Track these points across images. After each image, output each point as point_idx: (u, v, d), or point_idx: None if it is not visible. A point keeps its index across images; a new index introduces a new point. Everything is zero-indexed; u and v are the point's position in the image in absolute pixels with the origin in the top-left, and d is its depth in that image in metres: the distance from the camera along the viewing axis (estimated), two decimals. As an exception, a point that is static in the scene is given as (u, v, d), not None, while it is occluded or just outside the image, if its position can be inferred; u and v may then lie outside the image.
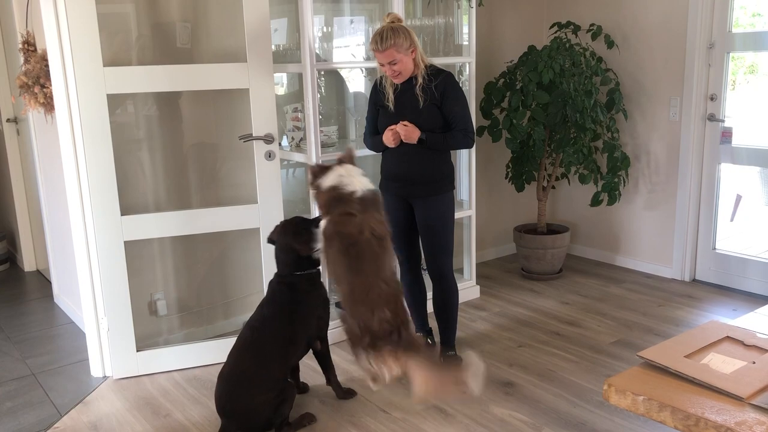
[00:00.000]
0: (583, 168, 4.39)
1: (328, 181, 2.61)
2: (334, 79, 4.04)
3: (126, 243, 3.17)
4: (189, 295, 3.68)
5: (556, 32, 4.44)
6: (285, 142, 3.72)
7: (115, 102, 3.22)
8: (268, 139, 3.26)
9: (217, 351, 3.42)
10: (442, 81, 3.05)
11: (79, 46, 2.96)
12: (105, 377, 3.33)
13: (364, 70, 4.07)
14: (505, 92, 4.31)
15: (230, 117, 3.52)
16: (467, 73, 3.99)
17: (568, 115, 4.11)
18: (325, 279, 3.31)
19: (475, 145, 4.02)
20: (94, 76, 2.99)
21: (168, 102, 3.46)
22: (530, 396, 3.03)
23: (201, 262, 3.68)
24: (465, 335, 3.69)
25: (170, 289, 3.62)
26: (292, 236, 2.88)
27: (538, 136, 4.17)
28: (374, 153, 3.35)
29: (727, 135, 4.19)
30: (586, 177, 4.36)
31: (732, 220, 5.58)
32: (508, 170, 4.54)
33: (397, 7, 3.54)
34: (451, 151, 3.21)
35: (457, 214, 4.08)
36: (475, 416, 2.88)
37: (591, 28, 4.36)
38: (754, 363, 1.84)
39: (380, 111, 3.18)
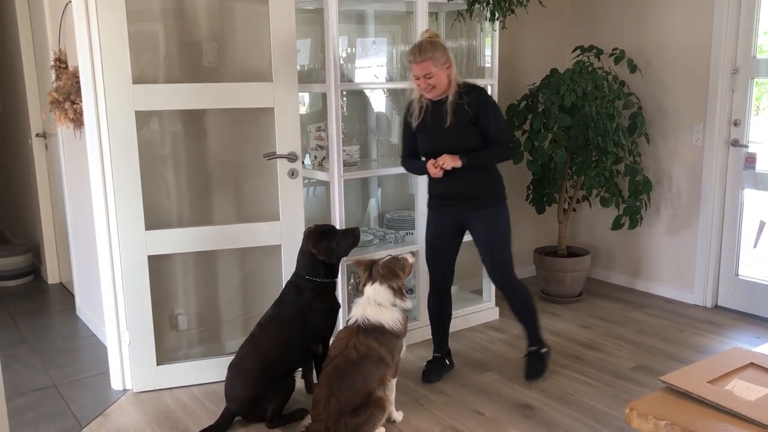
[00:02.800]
0: (604, 191, 4.38)
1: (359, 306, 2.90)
2: (356, 99, 4.09)
3: (149, 257, 3.21)
4: (209, 311, 3.70)
5: (578, 56, 4.46)
6: (308, 160, 3.75)
7: (142, 119, 3.28)
8: (291, 158, 3.30)
9: (236, 367, 3.43)
10: (475, 97, 3.09)
11: (109, 64, 3.03)
12: (125, 390, 3.35)
13: (386, 90, 4.11)
14: (527, 114, 4.33)
15: (254, 135, 3.57)
16: (489, 95, 4.01)
17: (590, 138, 4.11)
18: (339, 291, 3.34)
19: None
20: (124, 93, 3.05)
21: (194, 119, 3.52)
22: (549, 419, 3.01)
23: (222, 277, 3.71)
24: (483, 357, 3.67)
25: (191, 304, 3.65)
26: (314, 239, 2.99)
27: (559, 158, 4.17)
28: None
29: (750, 161, 4.16)
30: (608, 200, 4.34)
31: (755, 246, 5.52)
32: (529, 192, 4.54)
33: (421, 29, 3.58)
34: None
35: (478, 235, 4.09)
36: (493, 438, 2.86)
37: (614, 52, 4.37)
38: (778, 390, 1.82)
39: (418, 134, 3.22)
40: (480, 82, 4.01)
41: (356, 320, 2.84)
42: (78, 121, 3.48)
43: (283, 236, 3.37)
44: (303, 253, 3.04)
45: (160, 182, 3.48)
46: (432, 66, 2.98)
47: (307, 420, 2.79)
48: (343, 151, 3.51)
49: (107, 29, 3.00)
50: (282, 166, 3.31)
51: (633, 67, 4.32)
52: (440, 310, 3.45)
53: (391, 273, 2.88)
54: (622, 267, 4.84)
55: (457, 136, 3.09)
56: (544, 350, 3.42)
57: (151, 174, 3.37)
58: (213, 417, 3.05)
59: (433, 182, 3.26)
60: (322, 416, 2.66)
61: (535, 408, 3.11)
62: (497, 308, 4.25)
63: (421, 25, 3.59)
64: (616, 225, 4.34)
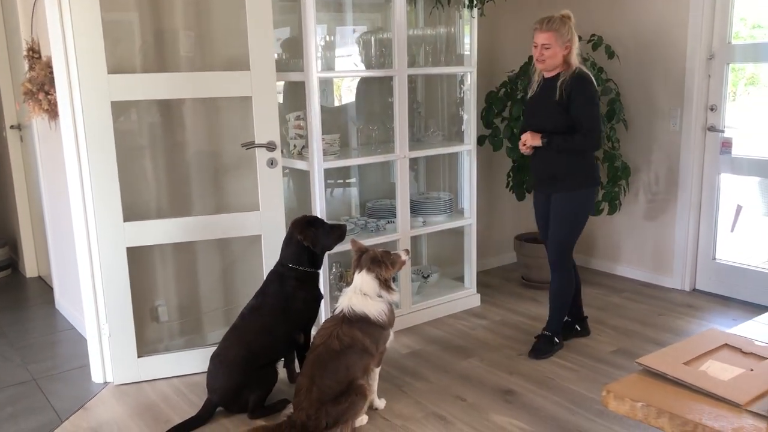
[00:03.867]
0: (583, 177, 4.40)
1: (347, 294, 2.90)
2: (336, 87, 4.07)
3: (128, 249, 3.19)
4: (190, 302, 3.69)
5: (556, 42, 4.47)
6: (287, 149, 3.73)
7: (118, 109, 3.24)
8: (270, 147, 3.28)
9: (217, 357, 3.43)
10: (571, 83, 3.20)
11: (83, 54, 2.99)
12: (106, 383, 3.33)
13: (365, 78, 4.10)
14: (506, 101, 4.34)
15: (233, 124, 3.54)
16: (468, 82, 4.01)
17: (568, 124, 4.13)
18: (322, 282, 3.35)
19: (475, 154, 4.08)
20: (98, 83, 3.02)
21: (172, 109, 3.49)
22: (530, 404, 3.04)
23: (203, 268, 3.69)
24: (465, 343, 3.70)
25: (171, 296, 3.63)
26: (301, 226, 3.03)
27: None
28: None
29: (727, 145, 4.21)
30: (586, 186, 4.36)
31: (732, 230, 5.59)
32: (509, 179, 4.55)
33: (400, 17, 3.57)
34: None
35: (457, 223, 4.11)
36: (474, 424, 2.88)
37: (592, 38, 4.38)
38: (752, 370, 1.86)
39: (525, 106, 3.52)
40: (459, 70, 4.04)
41: (341, 310, 2.85)
42: (53, 112, 3.44)
43: (263, 226, 3.35)
44: (288, 242, 3.06)
45: (139, 173, 3.45)
46: (553, 38, 3.17)
47: (289, 409, 2.79)
48: (323, 139, 3.50)
49: (80, 18, 2.96)
50: (261, 156, 3.29)
51: (611, 54, 4.34)
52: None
53: (380, 264, 2.88)
54: (601, 252, 4.88)
55: (546, 116, 3.26)
56: (556, 341, 3.53)
57: (128, 165, 3.33)
58: (195, 408, 3.04)
59: (531, 162, 3.51)
60: (304, 404, 2.67)
61: (516, 393, 3.14)
62: (478, 295, 4.27)
63: (399, 13, 3.57)
64: (596, 210, 4.37)
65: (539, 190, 3.52)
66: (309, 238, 3.01)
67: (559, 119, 3.24)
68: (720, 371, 1.85)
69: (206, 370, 3.03)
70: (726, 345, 2.03)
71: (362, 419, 2.85)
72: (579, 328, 3.70)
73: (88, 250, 3.21)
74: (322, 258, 3.13)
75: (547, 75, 3.31)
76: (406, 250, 3.06)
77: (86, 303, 3.26)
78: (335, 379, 2.72)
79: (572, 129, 3.23)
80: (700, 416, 1.65)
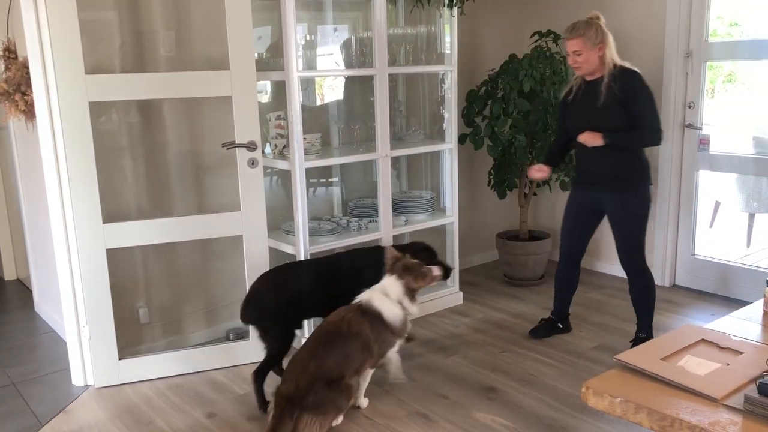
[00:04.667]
0: (564, 175, 4.44)
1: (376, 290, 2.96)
2: (317, 86, 4.06)
3: (108, 251, 3.16)
4: (172, 303, 3.67)
5: (536, 41, 4.49)
6: (268, 149, 3.73)
7: (98, 110, 3.22)
8: (251, 147, 3.27)
9: (200, 359, 3.41)
10: (627, 80, 3.15)
11: (60, 54, 2.96)
12: (86, 386, 3.30)
13: (346, 77, 4.09)
14: (486, 100, 4.35)
15: (214, 125, 3.53)
16: (449, 81, 4.03)
17: (548, 122, 4.16)
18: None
19: (456, 153, 4.09)
20: (76, 83, 2.99)
21: (152, 110, 3.46)
22: (513, 401, 3.05)
23: (184, 269, 3.68)
24: (448, 341, 3.71)
25: (153, 297, 3.61)
26: (399, 271, 2.96)
27: (519, 143, 4.21)
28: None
29: (704, 142, 4.26)
30: (567, 184, 4.40)
31: (711, 226, 5.67)
32: (490, 177, 4.57)
33: (380, 15, 3.57)
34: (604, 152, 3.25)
35: (439, 221, 4.12)
36: (458, 422, 2.89)
37: (571, 37, 4.41)
38: (728, 365, 1.88)
39: (568, 110, 3.37)
40: (439, 69, 4.05)
41: (360, 301, 2.91)
42: (30, 113, 3.39)
43: (245, 226, 3.34)
44: (402, 250, 3.14)
45: (118, 174, 3.42)
46: (581, 44, 3.12)
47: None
48: (304, 139, 3.49)
49: (57, 18, 2.92)
50: (241, 156, 3.28)
51: (590, 52, 4.37)
52: (565, 280, 3.66)
53: (411, 273, 2.93)
54: (582, 249, 4.91)
55: (602, 116, 3.18)
56: (650, 339, 3.47)
57: (108, 166, 3.31)
58: (177, 410, 3.03)
59: (579, 161, 3.43)
60: (297, 375, 2.69)
61: (499, 390, 3.15)
62: (461, 293, 4.29)
63: (380, 12, 3.57)
64: (576, 208, 4.40)
65: (590, 189, 3.37)
66: (408, 270, 2.97)
67: (620, 119, 3.15)
68: (697, 366, 1.87)
69: (193, 369, 3.06)
70: (703, 340, 2.06)
71: (338, 419, 2.85)
72: (561, 326, 3.73)
73: (67, 253, 3.17)
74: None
75: (589, 78, 3.25)
76: (439, 267, 3.06)
77: (66, 306, 3.23)
78: (333, 362, 2.73)
79: (627, 127, 3.15)
80: (678, 411, 1.67)
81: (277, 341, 3.06)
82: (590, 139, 3.18)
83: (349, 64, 3.82)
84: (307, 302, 3.11)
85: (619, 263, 3.46)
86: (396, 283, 2.92)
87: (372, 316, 2.85)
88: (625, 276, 3.48)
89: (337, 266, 3.26)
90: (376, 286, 2.96)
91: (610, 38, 3.19)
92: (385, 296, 2.90)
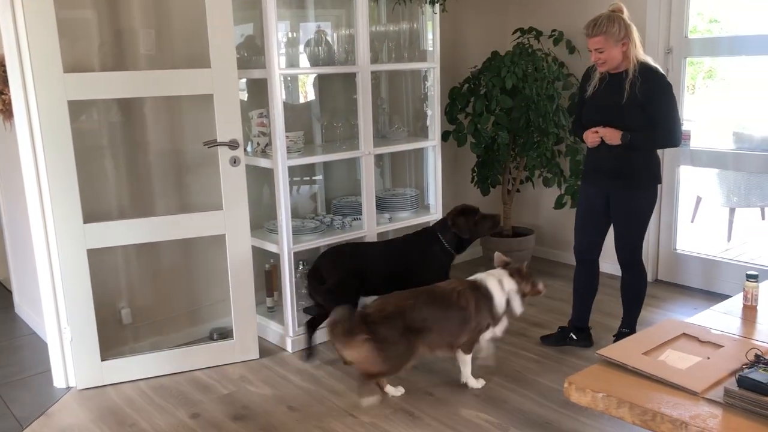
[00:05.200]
0: (546, 171, 4.46)
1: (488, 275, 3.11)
2: (301, 84, 4.05)
3: (89, 251, 3.13)
4: (155, 303, 3.64)
5: (518, 38, 4.51)
6: (250, 147, 3.70)
7: (78, 108, 3.18)
8: (233, 145, 3.25)
9: (183, 359, 3.39)
10: (649, 82, 3.06)
11: (37, 52, 2.92)
12: (68, 388, 3.27)
13: (329, 75, 4.08)
14: (469, 97, 4.36)
15: (196, 123, 3.50)
16: (432, 78, 4.03)
17: (531, 119, 4.18)
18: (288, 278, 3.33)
19: (440, 150, 4.10)
20: (54, 82, 2.95)
21: (132, 108, 3.43)
22: (498, 397, 3.06)
23: (167, 269, 3.65)
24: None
25: (135, 298, 3.58)
26: (452, 215, 3.45)
27: (502, 140, 4.22)
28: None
29: (685, 138, 4.28)
30: (550, 180, 4.43)
31: (693, 221, 5.72)
32: (474, 174, 4.58)
33: (362, 13, 3.56)
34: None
35: (423, 218, 4.12)
36: (442, 418, 2.90)
37: (553, 33, 4.43)
38: (708, 358, 1.90)
39: (587, 102, 3.27)
40: (422, 66, 4.04)
41: (475, 279, 3.04)
42: (7, 112, 3.35)
43: (227, 225, 3.32)
44: (443, 221, 3.50)
45: (99, 173, 3.39)
46: (604, 41, 3.02)
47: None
48: (287, 137, 3.47)
49: (34, 16, 2.88)
50: (223, 154, 3.26)
51: (571, 49, 4.39)
52: (580, 281, 3.54)
53: (524, 277, 3.08)
54: (565, 245, 4.93)
55: (621, 114, 3.10)
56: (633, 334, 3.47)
57: (88, 165, 3.27)
58: (161, 411, 3.01)
59: (589, 155, 3.35)
60: (387, 303, 2.88)
61: (484, 386, 3.16)
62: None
63: (362, 9, 3.56)
64: (559, 204, 4.43)
65: (599, 185, 3.31)
66: (458, 226, 3.40)
67: (638, 118, 3.08)
68: (678, 360, 1.89)
69: (174, 371, 3.11)
70: (684, 334, 2.08)
71: (383, 384, 3.02)
72: (575, 337, 3.56)
73: (47, 253, 3.14)
74: (468, 244, 3.53)
75: (613, 72, 3.15)
76: (545, 285, 3.19)
77: (46, 307, 3.20)
78: (422, 317, 2.88)
79: (646, 126, 3.09)
80: (659, 405, 1.69)
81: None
82: (609, 135, 3.11)
83: (331, 62, 3.81)
84: (364, 279, 3.35)
85: (605, 259, 3.47)
86: (511, 279, 3.06)
87: (482, 295, 2.99)
88: (610, 271, 3.49)
89: (392, 248, 3.52)
90: (492, 272, 3.10)
91: (634, 31, 3.06)
92: (500, 283, 3.04)
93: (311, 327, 3.44)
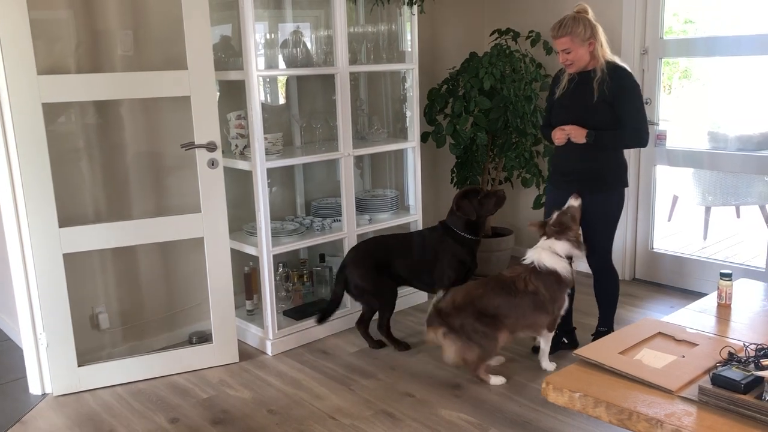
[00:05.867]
0: (525, 172, 4.48)
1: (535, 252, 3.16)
2: (281, 85, 4.03)
3: (65, 255, 3.09)
4: (132, 308, 3.60)
5: (496, 39, 4.53)
6: (229, 149, 3.68)
7: (53, 111, 3.14)
8: (210, 147, 3.23)
9: (162, 363, 3.36)
10: (616, 80, 3.07)
11: (10, 54, 2.87)
12: (44, 395, 3.23)
13: (308, 76, 4.07)
14: (447, 98, 4.37)
15: (173, 125, 3.48)
16: (410, 79, 4.03)
17: (509, 120, 4.20)
18: (268, 281, 3.32)
19: (419, 151, 4.10)
20: (28, 84, 2.91)
21: (109, 110, 3.40)
22: (477, 397, 3.08)
23: (144, 273, 3.62)
24: (413, 339, 3.72)
25: (113, 302, 3.54)
26: (456, 200, 3.51)
27: (480, 141, 4.24)
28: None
29: (661, 138, 4.34)
30: (529, 180, 4.45)
31: (669, 219, 5.79)
32: (453, 175, 4.60)
33: (340, 14, 3.56)
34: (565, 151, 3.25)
35: (403, 219, 4.13)
36: (423, 419, 2.90)
37: (530, 34, 4.46)
38: (683, 357, 1.92)
39: (555, 103, 3.27)
40: (401, 67, 4.05)
41: (532, 262, 3.08)
42: (-20, 115, 3.30)
43: (206, 228, 3.30)
44: (451, 210, 3.54)
45: (75, 177, 3.35)
46: (570, 42, 3.05)
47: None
48: (265, 139, 3.46)
49: (6, 17, 2.83)
50: (201, 156, 3.24)
51: (548, 50, 4.42)
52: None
53: (565, 227, 3.08)
54: (545, 245, 4.97)
55: (590, 113, 3.11)
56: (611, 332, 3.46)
57: (64, 168, 3.24)
58: (139, 416, 2.98)
59: (555, 157, 3.36)
60: (458, 296, 3.05)
61: (463, 387, 3.17)
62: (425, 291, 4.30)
63: (340, 10, 3.56)
64: (537, 204, 4.46)
65: (563, 188, 3.28)
66: (462, 209, 3.45)
67: (606, 117, 3.09)
68: (653, 359, 1.91)
69: (158, 374, 3.10)
70: (660, 333, 2.10)
71: (487, 364, 3.17)
72: (566, 341, 3.54)
73: (21, 258, 3.10)
74: (483, 225, 3.60)
75: (581, 72, 3.16)
76: (576, 195, 3.17)
77: (21, 312, 3.15)
78: (494, 304, 3.03)
79: (613, 125, 3.10)
80: (635, 404, 1.70)
81: (376, 300, 3.55)
82: (575, 133, 3.12)
83: (310, 63, 3.80)
84: (389, 269, 3.53)
85: (583, 259, 3.48)
86: (559, 243, 3.08)
87: (547, 275, 3.05)
88: (587, 270, 3.51)
89: (410, 241, 3.66)
90: (540, 245, 3.12)
91: (601, 31, 3.11)
92: (555, 254, 3.07)
93: (360, 325, 3.63)
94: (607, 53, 3.14)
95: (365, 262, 3.52)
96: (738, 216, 5.83)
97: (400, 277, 3.59)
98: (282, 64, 3.81)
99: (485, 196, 3.52)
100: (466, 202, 3.48)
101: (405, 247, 3.61)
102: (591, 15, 3.12)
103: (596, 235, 3.30)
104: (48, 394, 3.23)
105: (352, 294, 3.61)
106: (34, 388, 3.24)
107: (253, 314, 3.81)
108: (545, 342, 3.22)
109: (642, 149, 4.40)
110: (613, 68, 3.11)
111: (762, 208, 5.32)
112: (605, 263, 3.39)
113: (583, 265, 3.62)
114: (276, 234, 3.61)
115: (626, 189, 3.32)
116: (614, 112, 3.10)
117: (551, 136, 3.23)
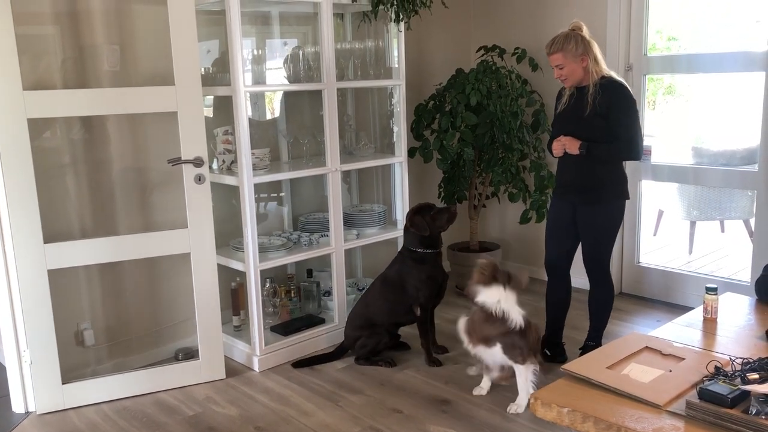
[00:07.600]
0: (511, 187, 4.51)
1: (486, 296, 3.10)
2: (268, 100, 4.04)
3: (50, 271, 3.07)
4: (118, 324, 3.57)
5: (482, 55, 4.57)
6: (216, 165, 3.68)
7: (39, 126, 3.13)
8: (197, 163, 3.23)
9: (148, 380, 3.33)
10: (610, 92, 3.13)
11: (-4, 70, 2.86)
12: (28, 413, 3.18)
13: (295, 92, 4.08)
14: (434, 114, 4.40)
15: (160, 141, 3.47)
16: (397, 95, 4.05)
17: (495, 135, 4.22)
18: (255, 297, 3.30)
19: (406, 166, 4.12)
20: (13, 99, 2.90)
21: (95, 126, 3.38)
22: (466, 413, 3.07)
23: (130, 289, 3.59)
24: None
25: (98, 318, 3.51)
26: (409, 217, 3.55)
27: (467, 156, 4.26)
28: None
29: (646, 153, 4.37)
30: (515, 195, 4.47)
31: (655, 234, 5.83)
32: (440, 190, 4.61)
33: (327, 30, 3.57)
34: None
35: (391, 234, 4.13)
36: (411, 435, 2.89)
37: (516, 51, 4.50)
38: (670, 371, 1.93)
39: (557, 118, 3.38)
40: (388, 83, 4.07)
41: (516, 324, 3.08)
42: (-35, 130, 3.27)
43: (192, 244, 3.28)
44: (405, 229, 3.57)
45: (61, 192, 3.33)
46: (562, 58, 3.13)
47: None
48: (253, 154, 3.46)
49: (-8, 33, 2.83)
50: (188, 172, 3.23)
51: (534, 66, 4.47)
52: (551, 294, 3.59)
53: (517, 284, 3.10)
54: (531, 259, 4.98)
55: (584, 127, 3.17)
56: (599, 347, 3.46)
57: (50, 184, 3.22)
58: (124, 434, 2.94)
59: (558, 169, 3.43)
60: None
61: (452, 402, 3.16)
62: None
63: (327, 27, 3.58)
64: (524, 219, 4.48)
65: (566, 199, 3.37)
66: (416, 225, 3.47)
67: (600, 130, 3.15)
68: (641, 374, 1.91)
69: (143, 392, 2.93)
70: (647, 348, 2.11)
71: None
72: (549, 353, 3.57)
73: (5, 274, 3.06)
74: (439, 239, 3.57)
75: (578, 87, 3.25)
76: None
77: (4, 330, 3.11)
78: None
79: (609, 139, 3.15)
80: (623, 419, 1.71)
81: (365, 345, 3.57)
82: (569, 144, 3.20)
83: (297, 79, 3.81)
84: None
85: (573, 273, 3.51)
86: (511, 294, 3.09)
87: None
88: (575, 285, 3.54)
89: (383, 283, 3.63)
90: (503, 299, 3.08)
91: (595, 47, 3.16)
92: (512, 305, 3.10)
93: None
94: (602, 68, 3.20)
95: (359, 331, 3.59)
96: (722, 230, 5.89)
97: (393, 325, 3.62)
98: (269, 80, 3.82)
99: (438, 212, 3.53)
100: (419, 218, 3.48)
101: (381, 293, 3.58)
102: (585, 32, 3.20)
103: (592, 244, 3.34)
104: (32, 412, 3.18)
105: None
106: (17, 407, 3.19)
107: (240, 330, 3.78)
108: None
109: (628, 163, 4.44)
110: (608, 82, 3.18)
111: (746, 222, 5.37)
112: (599, 274, 3.41)
113: (576, 281, 3.64)
114: (263, 249, 3.60)
115: (627, 201, 3.36)
116: (609, 125, 3.16)
117: (551, 148, 3.32)
